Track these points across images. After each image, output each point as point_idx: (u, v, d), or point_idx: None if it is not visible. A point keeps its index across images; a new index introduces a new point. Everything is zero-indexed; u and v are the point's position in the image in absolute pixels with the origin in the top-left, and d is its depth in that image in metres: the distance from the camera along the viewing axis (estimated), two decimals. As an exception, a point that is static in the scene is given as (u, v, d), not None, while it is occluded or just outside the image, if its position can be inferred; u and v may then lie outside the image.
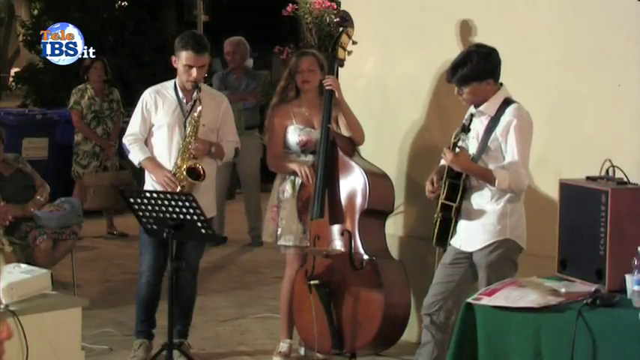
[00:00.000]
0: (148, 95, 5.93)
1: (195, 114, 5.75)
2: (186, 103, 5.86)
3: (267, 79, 9.84)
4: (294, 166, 5.81)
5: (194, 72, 5.76)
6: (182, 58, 5.78)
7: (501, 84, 5.00)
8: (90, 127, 9.56)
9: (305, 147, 5.88)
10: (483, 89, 4.93)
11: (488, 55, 4.93)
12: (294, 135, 5.90)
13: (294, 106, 5.94)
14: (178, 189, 5.66)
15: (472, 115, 4.95)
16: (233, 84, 9.35)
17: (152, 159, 5.85)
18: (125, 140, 5.94)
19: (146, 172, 5.94)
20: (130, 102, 6.12)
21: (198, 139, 5.76)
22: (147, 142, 5.92)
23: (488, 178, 4.87)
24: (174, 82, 5.92)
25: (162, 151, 5.85)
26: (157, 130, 5.88)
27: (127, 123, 6.14)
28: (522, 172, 4.88)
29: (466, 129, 4.88)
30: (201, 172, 5.74)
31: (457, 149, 4.91)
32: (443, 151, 4.93)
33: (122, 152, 10.42)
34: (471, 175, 4.95)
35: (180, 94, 5.88)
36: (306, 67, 5.89)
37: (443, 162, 5.20)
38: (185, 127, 5.80)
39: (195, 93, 5.77)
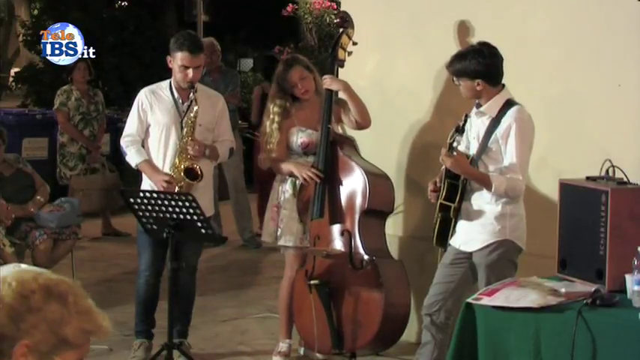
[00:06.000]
0: (143, 95, 5.92)
1: (192, 114, 5.75)
2: (182, 103, 5.86)
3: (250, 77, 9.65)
4: (291, 168, 5.80)
5: (190, 73, 5.76)
6: (178, 59, 5.78)
7: (503, 85, 5.01)
8: (77, 128, 9.52)
9: (307, 149, 5.87)
10: (474, 87, 4.95)
11: (485, 57, 4.92)
12: (295, 137, 5.89)
13: (295, 108, 5.93)
14: (176, 190, 5.66)
15: (467, 116, 4.97)
16: (211, 86, 9.25)
17: (149, 162, 5.85)
18: (122, 142, 5.93)
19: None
20: (130, 102, 6.11)
21: (195, 140, 5.76)
22: (143, 143, 5.92)
23: (485, 183, 4.88)
24: (170, 82, 5.91)
25: (159, 152, 5.85)
26: (153, 130, 5.87)
27: (124, 124, 6.12)
28: (519, 177, 4.88)
29: (460, 129, 4.90)
30: (199, 172, 5.74)
31: (454, 152, 4.91)
32: (441, 157, 4.93)
33: (110, 154, 10.46)
34: (469, 179, 4.97)
35: (176, 94, 5.88)
36: (298, 77, 5.84)
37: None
38: (182, 127, 5.80)
39: (191, 93, 5.77)
